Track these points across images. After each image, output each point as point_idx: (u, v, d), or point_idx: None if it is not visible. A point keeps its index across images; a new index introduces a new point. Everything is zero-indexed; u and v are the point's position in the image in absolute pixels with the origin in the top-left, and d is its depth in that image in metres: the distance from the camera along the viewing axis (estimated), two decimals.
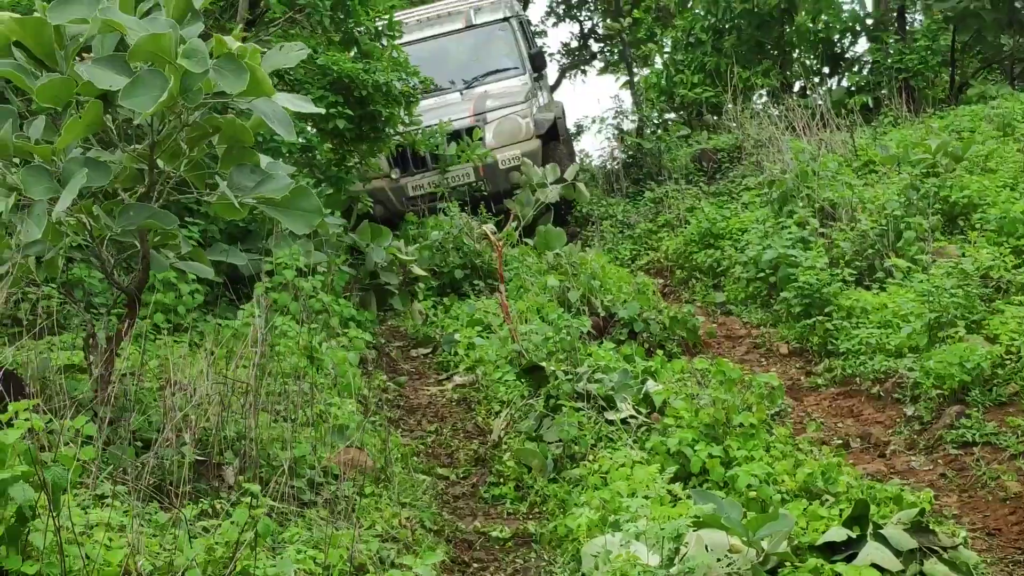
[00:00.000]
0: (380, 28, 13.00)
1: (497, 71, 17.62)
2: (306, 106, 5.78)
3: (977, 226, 10.54)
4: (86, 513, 4.64)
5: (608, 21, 29.67)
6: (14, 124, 5.71)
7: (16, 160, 5.85)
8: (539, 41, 34.31)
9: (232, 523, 4.69)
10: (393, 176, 15.87)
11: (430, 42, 17.58)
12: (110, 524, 4.54)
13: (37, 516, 3.97)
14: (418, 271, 11.59)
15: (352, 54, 12.08)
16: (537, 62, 18.06)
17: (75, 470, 3.99)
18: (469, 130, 15.93)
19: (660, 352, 9.29)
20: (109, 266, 6.33)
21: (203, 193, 6.26)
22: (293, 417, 6.68)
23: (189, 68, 5.10)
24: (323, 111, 5.84)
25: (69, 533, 4.07)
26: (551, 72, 32.55)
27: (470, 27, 17.92)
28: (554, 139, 17.02)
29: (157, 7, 5.72)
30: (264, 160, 6.24)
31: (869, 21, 21.34)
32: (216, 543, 4.74)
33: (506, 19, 18.01)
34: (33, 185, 5.41)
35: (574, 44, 37.22)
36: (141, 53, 5.14)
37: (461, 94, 17.06)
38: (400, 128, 12.90)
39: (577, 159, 19.69)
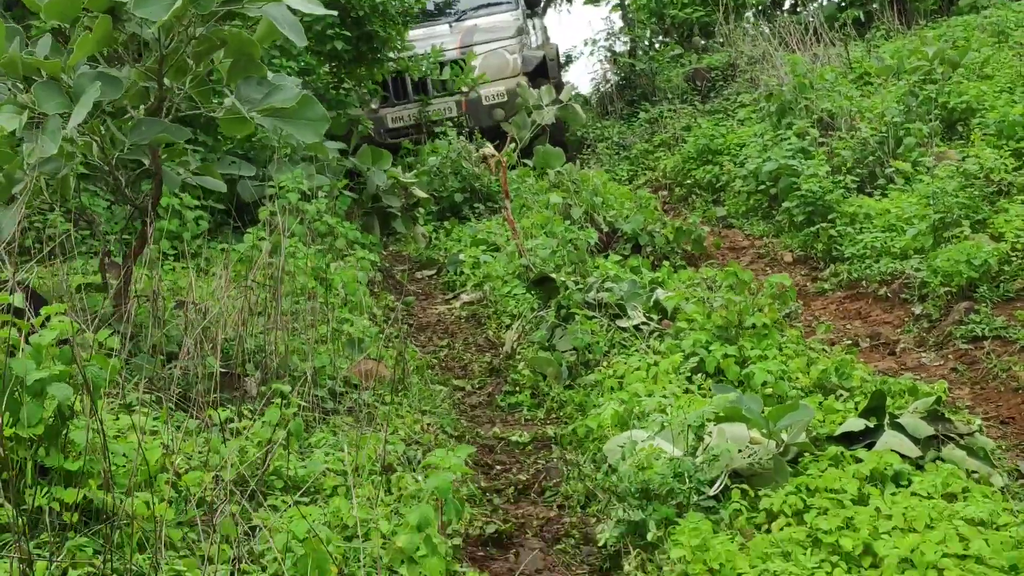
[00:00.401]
0: None
1: (489, 4, 17.17)
2: (316, 8, 5.76)
3: (976, 130, 10.55)
4: (117, 420, 4.69)
5: None
6: (21, 42, 5.69)
7: (22, 83, 5.84)
8: None
9: (264, 423, 4.74)
10: (373, 107, 15.43)
11: None
12: (143, 428, 4.58)
13: (75, 416, 4.01)
14: (420, 193, 11.59)
15: None
16: None
17: (112, 370, 4.02)
18: (456, 63, 15.55)
19: (666, 263, 9.32)
20: (120, 185, 6.34)
21: (210, 108, 6.26)
22: (310, 332, 6.72)
23: None
24: (334, 13, 5.81)
25: (100, 436, 4.11)
26: None
27: None
28: (543, 78, 16.52)
29: None
30: (269, 74, 6.24)
31: None
32: (248, 444, 4.79)
33: None
34: (46, 100, 5.40)
35: None
36: None
37: (450, 26, 16.59)
38: (396, 51, 12.72)
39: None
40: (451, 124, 15.04)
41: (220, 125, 6.28)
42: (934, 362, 7.38)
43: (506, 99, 15.65)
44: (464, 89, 15.49)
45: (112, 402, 4.87)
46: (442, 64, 15.34)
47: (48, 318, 4.19)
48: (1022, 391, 6.62)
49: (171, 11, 5.09)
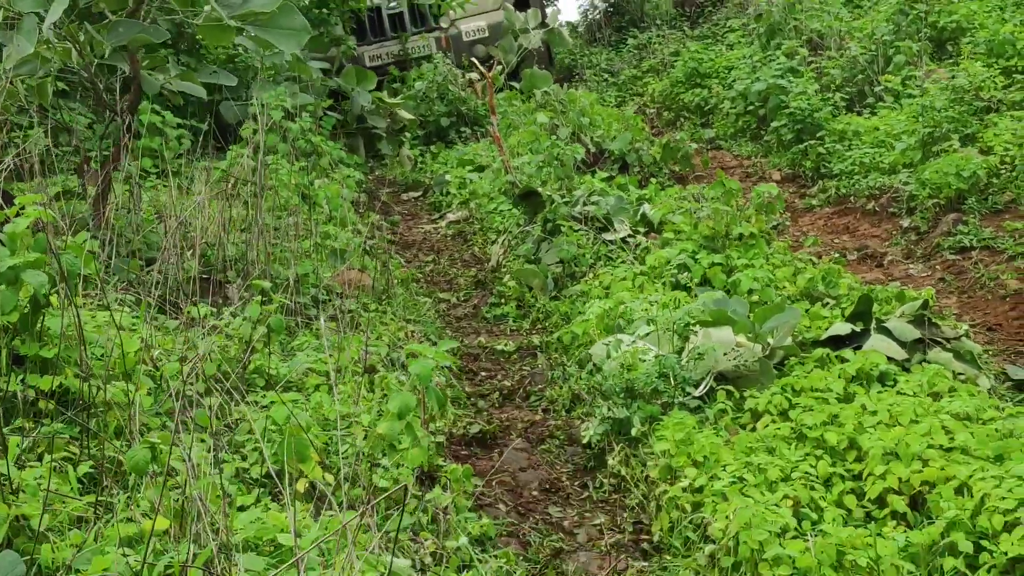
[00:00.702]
0: None
1: None
2: None
3: (967, 48, 10.45)
4: (94, 317, 4.63)
5: None
6: None
7: None
8: None
9: (245, 319, 4.69)
10: (349, 44, 14.60)
11: None
12: (121, 325, 4.53)
13: (50, 305, 3.95)
14: (406, 115, 11.48)
15: None
16: None
17: (87, 261, 3.95)
18: None
19: (653, 181, 9.25)
20: (99, 91, 6.24)
21: (188, 15, 6.14)
22: (292, 244, 6.66)
23: None
24: None
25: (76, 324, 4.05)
26: None
27: None
28: (525, 7, 15.73)
29: None
30: None
31: None
32: (229, 342, 4.75)
33: None
34: None
35: None
36: None
37: None
38: None
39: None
40: (429, 61, 14.39)
41: (200, 34, 6.17)
42: (922, 272, 7.35)
43: (487, 35, 14.94)
44: (443, 24, 14.86)
45: (90, 301, 4.81)
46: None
47: (23, 208, 4.12)
48: (1009, 299, 6.59)
49: None
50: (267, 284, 4.87)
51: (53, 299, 4.02)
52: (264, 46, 8.28)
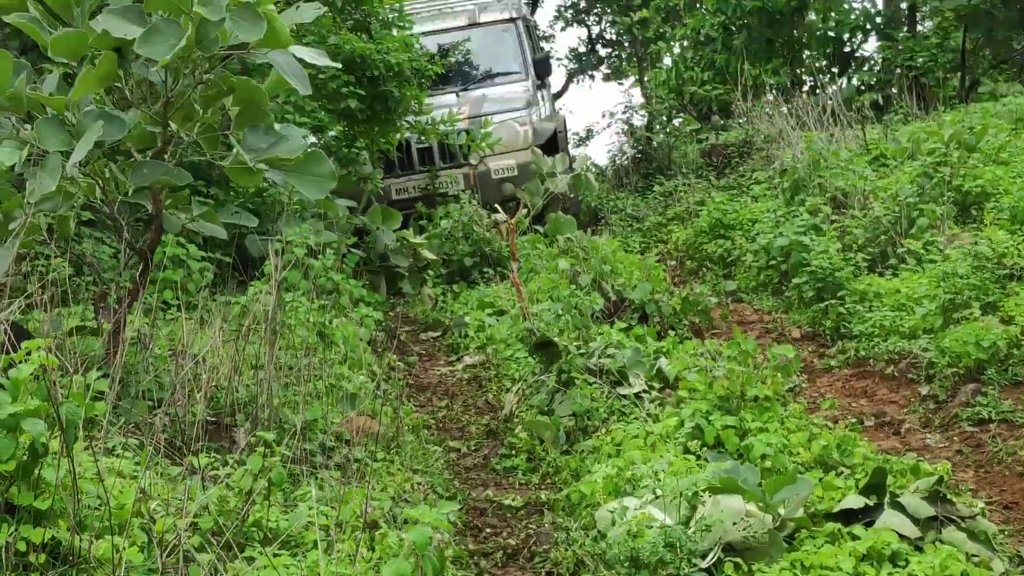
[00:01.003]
0: (392, 18, 12.96)
1: (498, 74, 16.82)
2: (323, 59, 5.74)
3: (990, 214, 10.47)
4: (96, 461, 4.58)
5: (619, 18, 29.66)
6: (28, 77, 5.68)
7: (29, 117, 5.82)
8: (546, 46, 34.26)
9: (246, 471, 4.63)
10: (377, 183, 14.57)
11: (429, 38, 16.49)
12: (121, 472, 4.49)
13: (49, 453, 3.91)
14: (428, 255, 11.54)
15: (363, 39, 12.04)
16: (541, 68, 17.18)
17: (89, 409, 3.93)
18: (464, 132, 14.93)
19: (672, 334, 9.22)
20: (121, 228, 6.29)
21: (216, 157, 6.22)
22: (304, 386, 6.62)
23: (206, 16, 5.06)
24: (339, 66, 5.79)
25: (80, 477, 4.01)
26: (558, 77, 32.36)
27: (473, 25, 17.00)
28: (553, 151, 15.88)
29: None
30: (277, 125, 6.20)
31: (879, 19, 21.27)
32: (229, 493, 4.69)
33: (512, 20, 17.03)
34: (47, 137, 5.37)
35: (582, 49, 37.22)
36: (157, 3, 5.10)
37: (458, 95, 16.10)
38: (411, 115, 12.69)
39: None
40: (456, 199, 14.40)
41: (227, 174, 6.24)
42: (939, 443, 7.25)
43: (516, 173, 14.99)
44: (472, 161, 14.96)
45: (93, 444, 4.77)
46: (446, 136, 14.84)
47: (29, 353, 4.11)
48: None
49: (174, 52, 5.07)
50: (271, 436, 4.83)
51: (54, 444, 3.98)
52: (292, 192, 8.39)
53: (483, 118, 14.94)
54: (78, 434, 3.90)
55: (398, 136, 13.74)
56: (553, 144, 16.00)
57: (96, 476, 4.21)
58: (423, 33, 16.00)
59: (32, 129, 5.46)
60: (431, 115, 14.19)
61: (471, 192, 14.66)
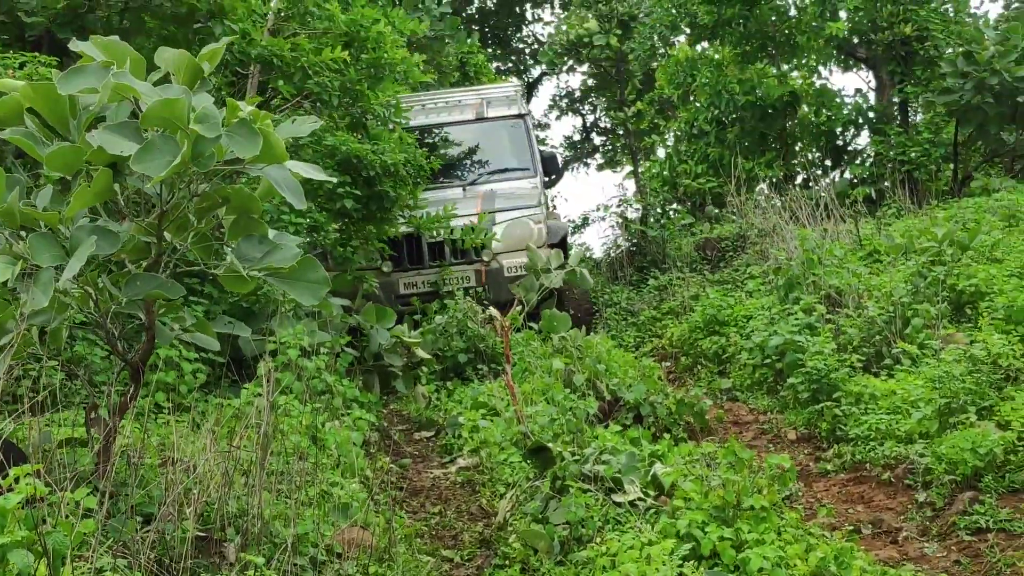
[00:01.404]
0: (387, 114, 13.06)
1: (506, 170, 16.63)
2: (318, 174, 5.76)
3: (985, 314, 10.49)
4: None
5: (612, 112, 29.95)
6: (21, 192, 5.68)
7: (23, 231, 5.82)
8: (541, 134, 34.54)
9: None
10: (384, 270, 14.62)
11: (435, 131, 16.72)
12: None
13: None
14: (422, 354, 11.51)
15: (359, 137, 12.13)
16: (550, 166, 17.02)
17: (76, 538, 3.88)
18: (475, 228, 14.71)
19: (667, 436, 9.17)
20: (114, 338, 6.26)
21: (210, 265, 6.22)
22: (296, 495, 6.56)
23: (202, 133, 5.07)
24: (335, 180, 5.84)
25: None
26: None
27: (481, 119, 16.88)
28: (564, 251, 15.40)
29: (167, 76, 5.72)
30: (271, 232, 6.21)
31: (871, 114, 21.49)
32: None
33: (520, 116, 16.98)
34: (40, 252, 5.36)
35: (576, 137, 37.56)
36: (153, 119, 5.12)
37: (464, 190, 16.02)
38: (407, 211, 12.72)
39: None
40: (468, 295, 14.18)
41: (220, 281, 6.23)
42: (937, 553, 7.17)
43: (527, 272, 14.57)
44: (485, 258, 14.74)
45: (81, 567, 4.70)
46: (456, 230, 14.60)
47: (17, 479, 4.07)
48: None
49: (169, 169, 5.08)
50: (260, 560, 4.76)
51: (41, 571, 3.93)
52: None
53: (492, 215, 14.85)
54: (64, 566, 3.85)
55: (393, 231, 13.66)
56: (564, 242, 15.82)
57: None
58: (429, 126, 16.38)
59: (25, 243, 5.45)
60: (427, 209, 14.07)
61: (484, 290, 14.54)
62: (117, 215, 6.06)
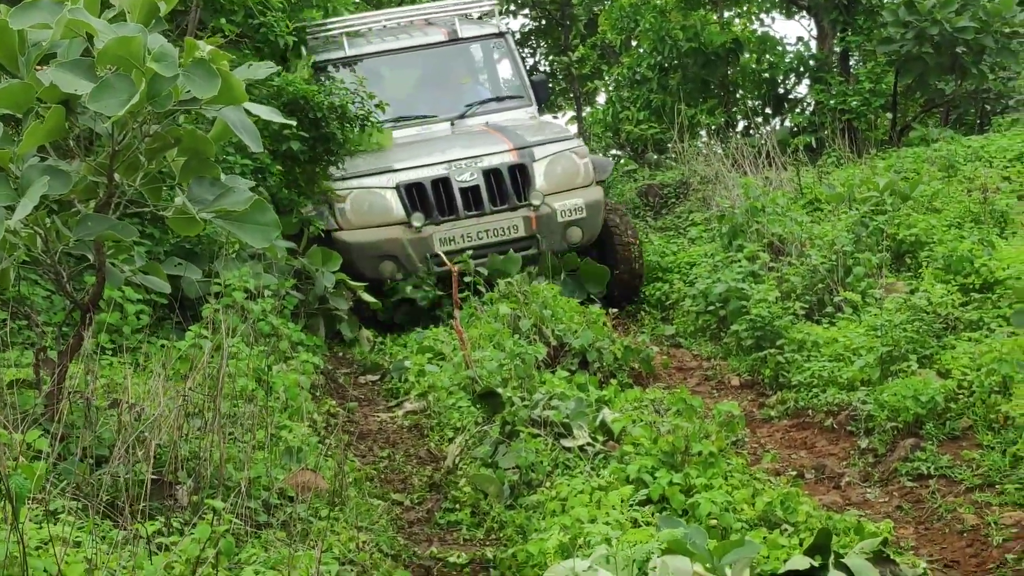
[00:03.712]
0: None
1: (498, 99, 14.49)
2: (276, 116, 5.70)
3: (925, 263, 10.65)
4: (40, 528, 4.49)
5: (555, 57, 29.84)
6: None
7: None
8: None
9: (193, 540, 4.56)
10: (414, 224, 12.37)
11: (400, 56, 14.21)
12: (66, 540, 4.39)
13: None
14: (368, 297, 11.46)
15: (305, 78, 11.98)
16: (541, 92, 14.68)
17: (38, 482, 3.84)
18: (515, 168, 12.66)
19: (613, 382, 9.24)
20: (62, 280, 6.18)
21: (160, 207, 6.14)
22: (247, 439, 6.54)
23: (159, 72, 4.99)
24: (293, 122, 5.79)
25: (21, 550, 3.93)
26: None
27: (455, 40, 14.33)
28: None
29: (122, 15, 5.62)
30: (223, 175, 6.14)
31: (812, 62, 21.59)
32: (175, 561, 4.61)
33: (500, 35, 14.68)
34: None
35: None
36: (109, 57, 5.03)
37: (452, 124, 13.85)
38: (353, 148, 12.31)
39: None
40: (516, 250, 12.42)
41: (169, 223, 6.17)
42: (879, 498, 7.32)
43: (584, 215, 12.73)
44: (534, 202, 12.61)
45: (36, 508, 4.67)
46: (494, 172, 12.63)
47: None
48: (967, 534, 6.55)
49: (126, 108, 5.00)
50: (219, 504, 4.76)
51: None
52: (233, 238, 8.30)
53: (529, 151, 12.85)
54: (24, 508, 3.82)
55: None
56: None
57: (39, 548, 4.12)
58: (390, 51, 14.12)
59: None
60: (417, 159, 12.64)
61: (536, 240, 12.64)
62: (67, 154, 5.96)
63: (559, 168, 12.79)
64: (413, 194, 12.43)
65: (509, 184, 12.58)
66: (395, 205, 12.40)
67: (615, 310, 12.62)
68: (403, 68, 14.46)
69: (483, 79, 15.03)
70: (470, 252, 12.21)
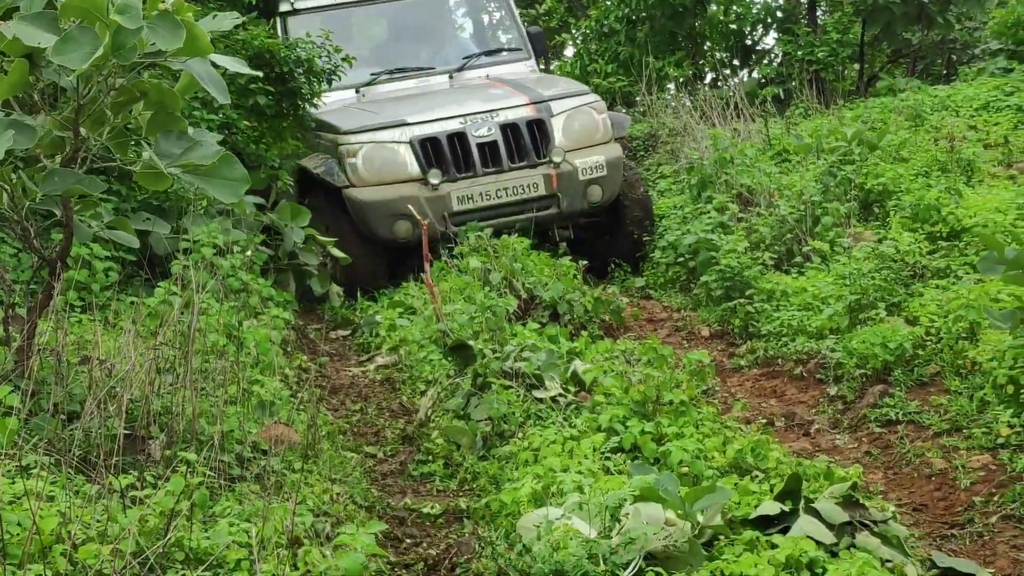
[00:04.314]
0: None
1: (496, 51, 13.81)
2: (242, 67, 5.66)
3: (892, 212, 10.71)
4: (13, 483, 4.49)
5: (523, 9, 29.65)
6: None
7: None
8: None
9: (168, 492, 4.56)
10: (431, 181, 11.58)
11: (392, 5, 13.57)
12: (39, 494, 4.39)
13: None
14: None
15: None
16: (537, 44, 13.97)
17: (9, 436, 3.84)
18: (533, 123, 11.93)
19: (584, 334, 9.27)
20: (29, 235, 6.14)
21: (128, 161, 6.10)
22: (218, 393, 6.54)
23: (123, 24, 4.95)
24: (260, 73, 5.76)
25: None
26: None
27: None
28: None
29: None
30: (190, 129, 6.10)
31: (780, 13, 21.55)
32: (149, 513, 4.61)
33: None
34: None
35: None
36: (73, 9, 4.98)
37: (451, 77, 13.18)
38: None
39: None
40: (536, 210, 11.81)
41: (136, 178, 6.13)
42: (848, 444, 7.39)
43: (605, 172, 12.02)
44: (555, 159, 11.85)
45: (8, 464, 4.66)
46: (511, 127, 11.88)
47: None
48: (935, 478, 6.64)
49: (90, 61, 4.96)
50: (192, 456, 4.76)
51: None
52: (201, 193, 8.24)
53: (546, 104, 12.12)
54: None
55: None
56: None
57: (16, 501, 4.12)
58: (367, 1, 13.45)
59: None
60: (417, 113, 11.85)
61: (557, 199, 11.94)
62: (31, 109, 5.91)
63: (577, 124, 12.15)
64: (428, 149, 11.65)
65: (528, 140, 11.86)
66: (410, 161, 11.62)
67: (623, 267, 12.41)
68: (396, 18, 13.77)
69: (477, 32, 14.59)
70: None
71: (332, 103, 12.51)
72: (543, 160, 11.86)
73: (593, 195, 12.02)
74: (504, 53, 13.78)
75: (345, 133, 11.80)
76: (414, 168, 11.60)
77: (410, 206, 11.16)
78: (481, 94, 12.44)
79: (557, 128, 11.98)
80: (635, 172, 13.04)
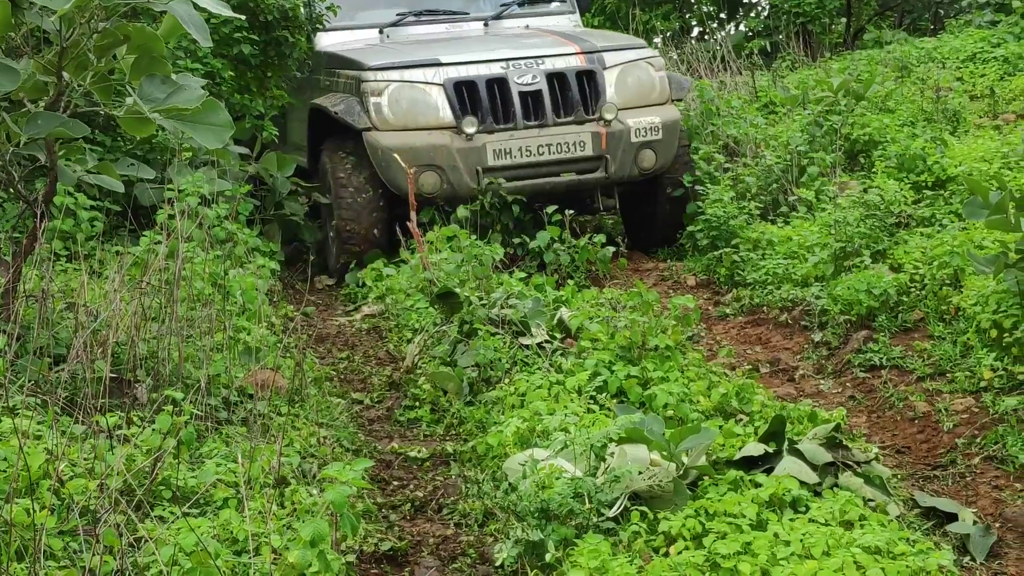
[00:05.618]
0: None
1: (536, 0, 12.63)
2: (224, 10, 5.62)
3: (878, 162, 10.72)
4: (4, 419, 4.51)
5: None
6: None
7: None
8: None
9: (154, 431, 4.58)
10: (466, 130, 10.31)
11: None
12: (26, 432, 4.40)
13: None
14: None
15: None
16: (583, 0, 13.07)
17: None
18: (583, 74, 10.70)
19: (570, 282, 9.29)
20: (13, 180, 6.12)
21: (111, 106, 6.07)
22: (205, 339, 6.54)
23: None
24: (243, 17, 5.72)
25: None
26: None
27: None
28: None
29: None
30: (174, 74, 6.07)
31: None
32: (136, 452, 4.63)
33: None
34: None
35: None
36: None
37: (486, 25, 12.10)
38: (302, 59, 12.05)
39: None
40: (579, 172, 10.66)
41: (120, 124, 6.10)
42: (832, 389, 7.43)
43: (660, 135, 10.81)
44: (607, 116, 10.62)
45: None
46: (558, 77, 10.63)
47: None
48: (917, 421, 6.69)
49: (72, 1, 4.92)
50: (179, 395, 4.78)
51: None
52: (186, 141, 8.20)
53: (599, 56, 10.93)
54: None
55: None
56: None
57: (3, 439, 4.14)
58: None
59: None
60: (445, 55, 10.68)
61: (605, 161, 10.66)
62: (15, 53, 5.88)
63: (632, 79, 10.94)
64: (463, 94, 10.39)
65: (576, 92, 10.61)
66: (442, 105, 10.36)
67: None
68: None
69: None
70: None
71: (352, 41, 11.58)
72: (592, 116, 10.65)
73: (645, 160, 10.78)
74: (543, 4, 12.63)
75: (370, 70, 10.57)
76: (446, 114, 10.38)
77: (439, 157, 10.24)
78: (525, 40, 11.33)
79: (609, 82, 10.80)
80: (686, 145, 11.66)
